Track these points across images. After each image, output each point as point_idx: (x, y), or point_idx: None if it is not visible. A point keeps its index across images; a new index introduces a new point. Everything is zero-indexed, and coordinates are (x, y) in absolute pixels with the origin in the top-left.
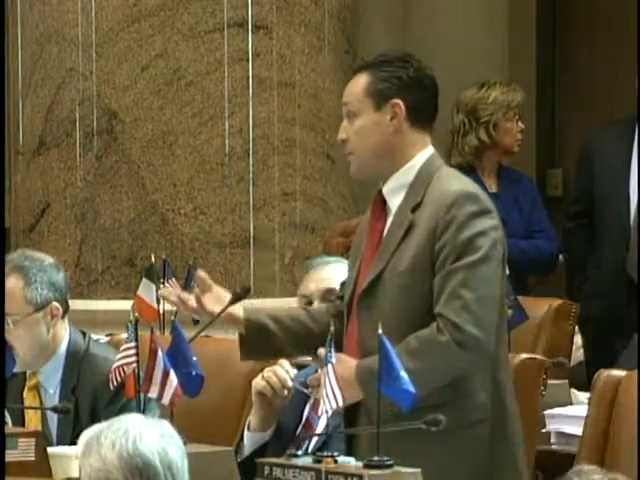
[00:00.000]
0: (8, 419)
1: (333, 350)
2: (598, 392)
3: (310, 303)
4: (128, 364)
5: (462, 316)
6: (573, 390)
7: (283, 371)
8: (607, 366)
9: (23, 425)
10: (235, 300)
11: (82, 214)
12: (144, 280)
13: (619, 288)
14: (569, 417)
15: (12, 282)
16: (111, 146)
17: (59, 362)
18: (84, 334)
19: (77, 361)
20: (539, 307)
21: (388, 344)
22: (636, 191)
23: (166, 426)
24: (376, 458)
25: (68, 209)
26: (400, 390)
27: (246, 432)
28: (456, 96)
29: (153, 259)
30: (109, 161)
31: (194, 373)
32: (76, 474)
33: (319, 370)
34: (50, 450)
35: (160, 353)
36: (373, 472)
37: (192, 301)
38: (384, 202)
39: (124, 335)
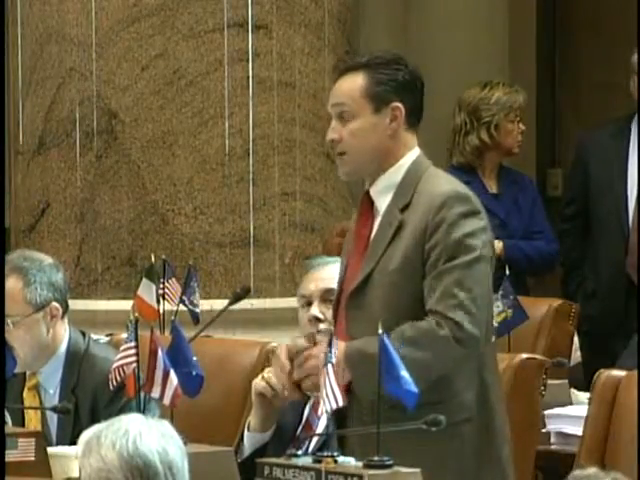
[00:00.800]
0: (8, 419)
1: (333, 350)
2: (598, 392)
3: (310, 303)
4: (128, 364)
5: (458, 314)
6: (573, 390)
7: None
8: (605, 367)
9: (23, 425)
10: (235, 300)
11: (82, 214)
12: (144, 280)
13: (617, 289)
14: (569, 417)
15: (11, 283)
16: (111, 146)
17: (59, 362)
18: (84, 334)
19: (77, 361)
20: (539, 307)
21: (388, 344)
22: (634, 191)
23: (166, 426)
24: (376, 458)
25: (68, 209)
26: (402, 390)
27: (246, 432)
28: (456, 95)
29: (153, 259)
30: (109, 161)
31: (194, 373)
32: (76, 474)
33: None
34: (50, 450)
35: (160, 353)
36: (373, 472)
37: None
38: (371, 202)
39: (124, 335)
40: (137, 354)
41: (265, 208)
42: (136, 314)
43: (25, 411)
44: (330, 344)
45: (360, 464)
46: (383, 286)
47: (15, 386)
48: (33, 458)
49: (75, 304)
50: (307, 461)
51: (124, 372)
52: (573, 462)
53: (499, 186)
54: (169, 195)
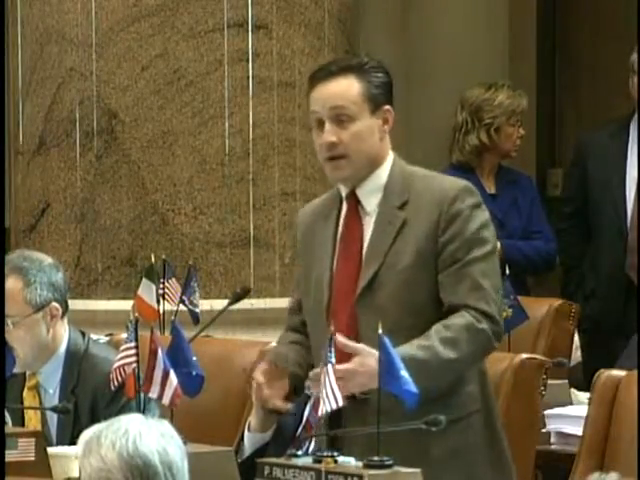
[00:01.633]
0: (8, 419)
1: (333, 350)
2: (598, 392)
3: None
4: (128, 364)
5: (492, 306)
6: (573, 390)
7: None
8: (605, 367)
9: (23, 425)
10: (235, 300)
11: (82, 214)
12: (144, 280)
13: (617, 289)
14: (569, 417)
15: (11, 283)
16: (111, 146)
17: (59, 362)
18: (83, 334)
19: (77, 361)
20: (539, 307)
21: (388, 344)
22: (633, 191)
23: (166, 426)
24: (376, 458)
25: (68, 209)
26: (402, 390)
27: (246, 433)
28: (456, 95)
29: (153, 259)
30: (109, 161)
31: (194, 373)
32: (76, 474)
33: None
34: (50, 450)
35: (160, 353)
36: (373, 472)
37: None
38: (356, 203)
39: (124, 335)
40: (137, 354)
41: (265, 208)
42: (136, 314)
43: (25, 411)
44: (330, 344)
45: (360, 464)
46: (394, 284)
47: (15, 386)
48: (33, 458)
49: (75, 304)
50: (307, 461)
51: (124, 372)
52: (573, 462)
53: (497, 186)
54: (169, 195)
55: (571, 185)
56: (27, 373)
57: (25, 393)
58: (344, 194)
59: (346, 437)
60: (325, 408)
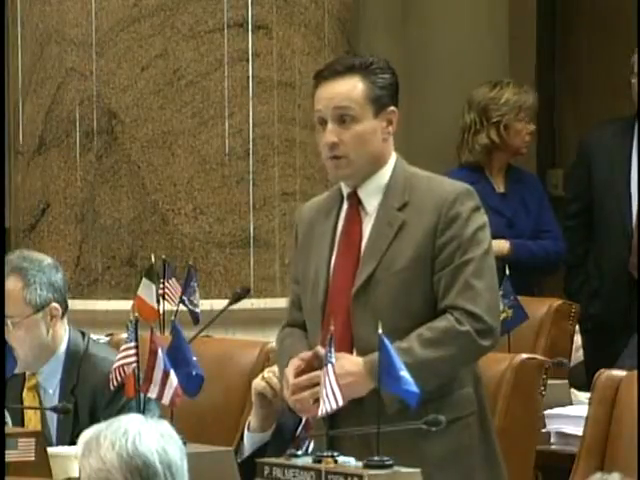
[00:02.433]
0: (8, 419)
1: (333, 350)
2: (598, 392)
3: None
4: (128, 364)
5: (479, 305)
6: (573, 390)
7: None
8: (607, 366)
9: (22, 426)
10: (235, 300)
11: (82, 214)
12: (144, 280)
13: (620, 288)
14: (569, 417)
15: (11, 283)
16: (111, 146)
17: (58, 362)
18: (83, 334)
19: (76, 361)
20: (539, 307)
21: (388, 344)
22: (637, 190)
23: (165, 426)
24: (376, 458)
25: (68, 209)
26: (402, 390)
27: (246, 432)
28: (457, 95)
29: (153, 259)
30: (109, 161)
31: (194, 373)
32: (76, 474)
33: None
34: (50, 450)
35: (160, 353)
36: (373, 472)
37: None
38: (357, 203)
39: (124, 335)
40: (137, 354)
41: (265, 208)
42: (136, 314)
43: (25, 411)
44: (330, 344)
45: (360, 464)
46: (390, 285)
47: (15, 386)
48: (33, 458)
49: (75, 304)
50: (307, 461)
51: (124, 372)
52: (573, 462)
53: (506, 186)
54: (169, 195)
55: (575, 184)
56: (27, 373)
57: (25, 393)
58: (345, 193)
59: (344, 437)
60: (325, 408)
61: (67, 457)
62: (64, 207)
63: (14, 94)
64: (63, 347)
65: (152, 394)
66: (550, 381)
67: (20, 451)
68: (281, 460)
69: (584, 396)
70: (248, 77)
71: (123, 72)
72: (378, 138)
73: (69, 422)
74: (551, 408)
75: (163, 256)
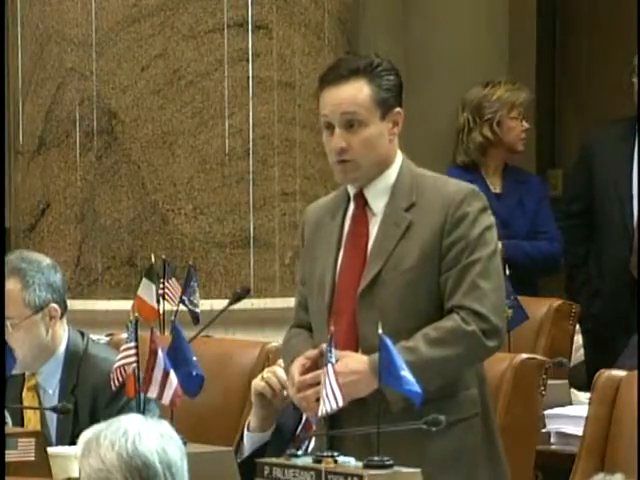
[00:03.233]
0: (8, 419)
1: (333, 350)
2: (599, 392)
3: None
4: (128, 364)
5: (485, 305)
6: (573, 390)
7: (282, 372)
8: (608, 366)
9: (22, 426)
10: (235, 300)
11: (82, 214)
12: (144, 280)
13: (621, 288)
14: (569, 417)
15: (10, 285)
16: (111, 146)
17: (58, 362)
18: (82, 334)
19: (76, 361)
20: (539, 307)
21: (389, 344)
22: (637, 190)
23: (165, 426)
24: (376, 458)
25: (68, 209)
26: (403, 390)
27: (246, 432)
28: (457, 95)
29: (153, 259)
30: (109, 161)
31: (194, 373)
32: (76, 474)
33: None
34: (50, 450)
35: (160, 353)
36: (373, 472)
37: None
38: (364, 203)
39: (124, 335)
40: (137, 354)
41: (265, 208)
42: (136, 314)
43: (24, 411)
44: (330, 344)
45: (360, 464)
46: (397, 285)
47: (14, 387)
48: (33, 458)
49: (75, 304)
50: (307, 461)
51: (125, 372)
52: (573, 462)
53: (503, 186)
54: (169, 195)
55: (577, 183)
56: (26, 374)
57: (24, 394)
58: (352, 194)
59: (345, 437)
60: (325, 408)
61: (67, 457)
62: (64, 207)
63: (14, 94)
64: (62, 347)
65: (152, 394)
66: (550, 381)
67: (20, 451)
68: (281, 460)
69: (584, 396)
70: (248, 77)
71: (123, 72)
72: (385, 140)
73: (69, 422)
74: (551, 408)
75: (163, 256)
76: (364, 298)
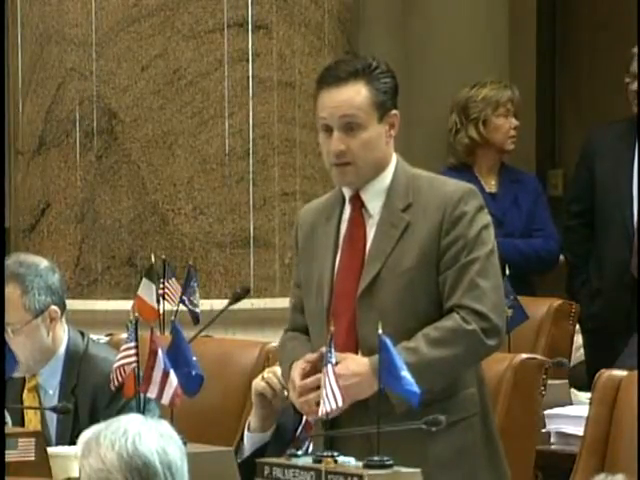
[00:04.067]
0: (8, 419)
1: (333, 350)
2: (599, 392)
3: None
4: (128, 364)
5: (484, 304)
6: (573, 390)
7: None
8: (608, 366)
9: (22, 426)
10: (235, 300)
11: (82, 214)
12: (144, 280)
13: (621, 288)
14: (569, 417)
15: (9, 291)
16: (111, 146)
17: (58, 363)
18: (83, 334)
19: (76, 362)
20: (539, 307)
21: (389, 344)
22: (638, 191)
23: (165, 426)
24: (376, 458)
25: (68, 209)
26: (403, 390)
27: (246, 433)
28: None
29: (153, 259)
30: (109, 161)
31: (194, 373)
32: (76, 474)
33: None
34: (50, 450)
35: (160, 353)
36: (373, 472)
37: None
38: (360, 205)
39: (124, 335)
40: (137, 354)
41: (265, 208)
42: (136, 314)
43: (25, 412)
44: (330, 344)
45: (360, 464)
46: (396, 286)
47: (14, 387)
48: (33, 458)
49: (75, 304)
50: (307, 461)
51: (125, 372)
52: (573, 462)
53: (498, 185)
54: (169, 195)
55: (578, 183)
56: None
57: (25, 394)
58: (348, 196)
59: (344, 438)
60: (325, 408)
61: (67, 457)
62: (64, 207)
63: (14, 94)
64: (63, 348)
65: (152, 394)
66: (550, 381)
67: (20, 451)
68: (281, 460)
69: (584, 396)
70: (248, 77)
71: (123, 72)
72: (383, 142)
73: (69, 422)
74: (551, 408)
75: (163, 256)
76: (363, 300)
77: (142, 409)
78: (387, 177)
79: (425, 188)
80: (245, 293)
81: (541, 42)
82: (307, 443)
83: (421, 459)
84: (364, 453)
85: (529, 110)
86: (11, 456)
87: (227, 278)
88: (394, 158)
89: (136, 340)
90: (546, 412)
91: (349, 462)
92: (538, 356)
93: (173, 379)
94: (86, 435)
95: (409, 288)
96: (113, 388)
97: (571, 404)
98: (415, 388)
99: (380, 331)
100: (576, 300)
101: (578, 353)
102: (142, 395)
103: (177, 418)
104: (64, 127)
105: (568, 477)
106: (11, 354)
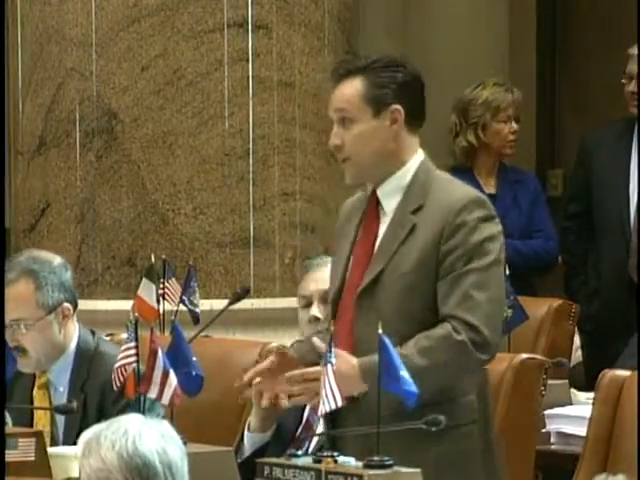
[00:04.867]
0: (8, 419)
1: (333, 350)
2: (602, 392)
3: (310, 304)
4: (128, 364)
5: (477, 316)
6: (573, 390)
7: None
8: (606, 367)
9: (31, 424)
10: (235, 300)
11: (82, 214)
12: (144, 280)
13: (619, 288)
14: (569, 417)
15: (23, 286)
16: (111, 146)
17: (69, 360)
18: (93, 333)
19: (87, 359)
20: (539, 307)
21: (389, 344)
22: (636, 192)
23: (165, 426)
24: (376, 458)
25: (68, 209)
26: (402, 390)
27: (246, 433)
28: (456, 96)
29: (153, 259)
30: (109, 161)
31: (194, 373)
32: (76, 474)
33: None
34: (50, 450)
35: (160, 353)
36: (373, 472)
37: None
38: (376, 203)
39: (124, 335)
40: (137, 354)
41: (265, 208)
42: (136, 314)
43: (34, 410)
44: (330, 344)
45: (360, 464)
46: (395, 288)
47: (25, 384)
48: (33, 458)
49: None
50: (307, 461)
51: (126, 372)
52: (573, 462)
53: (497, 186)
54: (169, 195)
55: (575, 184)
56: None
57: (35, 392)
58: (369, 192)
59: (343, 438)
60: (324, 408)
61: (67, 457)
62: (64, 207)
63: (14, 94)
64: (73, 345)
65: (152, 394)
66: (550, 381)
67: (20, 451)
68: (281, 460)
69: (584, 396)
70: (248, 77)
71: (123, 72)
72: (381, 138)
73: (77, 419)
74: (551, 408)
75: (163, 256)
76: (363, 298)
77: (143, 409)
78: (407, 175)
79: (437, 191)
80: (245, 293)
81: (541, 42)
82: (307, 443)
83: (413, 463)
84: (363, 454)
85: (529, 110)
86: (11, 456)
87: (227, 278)
88: (418, 157)
89: (136, 340)
90: (546, 412)
91: (349, 462)
92: (538, 356)
93: (173, 379)
94: (86, 435)
95: (406, 291)
96: (115, 388)
97: (571, 404)
98: (413, 388)
99: (380, 331)
100: (574, 301)
101: (578, 353)
102: (145, 395)
103: (177, 418)
104: (64, 127)
105: (568, 477)
106: (10, 354)
